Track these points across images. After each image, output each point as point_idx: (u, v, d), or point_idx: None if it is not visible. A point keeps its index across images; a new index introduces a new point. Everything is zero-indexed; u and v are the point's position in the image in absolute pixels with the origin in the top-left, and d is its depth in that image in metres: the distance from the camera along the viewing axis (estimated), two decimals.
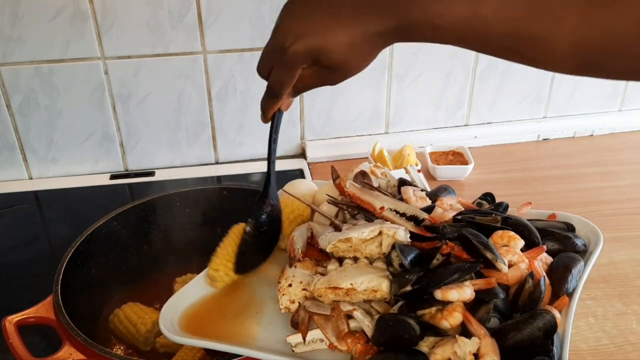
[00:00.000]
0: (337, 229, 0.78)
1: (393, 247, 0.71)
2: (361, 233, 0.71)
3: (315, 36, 0.60)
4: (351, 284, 0.68)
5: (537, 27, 0.53)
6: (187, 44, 1.28)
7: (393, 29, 0.58)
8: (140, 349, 0.91)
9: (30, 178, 1.38)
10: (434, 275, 0.66)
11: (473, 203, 0.87)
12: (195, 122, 1.38)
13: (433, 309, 0.65)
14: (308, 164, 1.42)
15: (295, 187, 0.93)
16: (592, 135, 1.54)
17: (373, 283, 0.68)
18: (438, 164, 1.34)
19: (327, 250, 0.73)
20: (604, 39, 0.51)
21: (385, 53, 1.36)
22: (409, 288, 0.66)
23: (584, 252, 0.77)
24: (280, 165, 1.41)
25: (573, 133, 1.53)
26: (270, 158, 0.78)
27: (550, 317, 0.62)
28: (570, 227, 0.81)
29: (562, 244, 0.77)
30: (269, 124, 0.75)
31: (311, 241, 0.79)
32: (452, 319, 0.63)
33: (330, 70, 0.63)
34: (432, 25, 0.55)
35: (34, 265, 1.11)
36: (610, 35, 0.51)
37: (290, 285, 0.73)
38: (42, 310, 0.83)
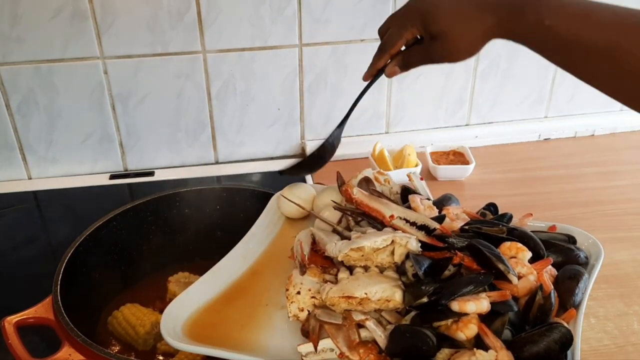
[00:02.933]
0: (341, 235, 0.77)
1: (407, 256, 0.70)
2: (374, 242, 0.70)
3: (431, 3, 0.72)
4: (365, 294, 0.67)
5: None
6: (186, 43, 1.28)
7: (504, 17, 0.66)
8: (139, 350, 0.91)
9: (30, 178, 1.37)
10: (447, 286, 0.66)
11: (477, 213, 0.86)
12: (195, 122, 1.37)
13: (449, 321, 0.64)
14: None
15: (295, 191, 0.91)
16: (593, 135, 1.54)
17: (387, 293, 0.67)
18: (439, 164, 1.33)
19: (339, 259, 0.72)
20: None
21: None
22: (425, 299, 0.65)
23: (585, 265, 0.77)
24: (280, 165, 1.41)
25: (574, 133, 1.53)
26: (355, 104, 0.86)
27: (566, 330, 0.62)
28: (571, 239, 0.81)
29: (565, 256, 0.77)
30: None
31: (314, 247, 0.78)
32: (467, 330, 0.63)
33: (435, 43, 0.72)
34: (539, 27, 0.62)
35: (34, 265, 1.10)
36: None
37: (298, 292, 0.72)
38: (41, 310, 0.83)
